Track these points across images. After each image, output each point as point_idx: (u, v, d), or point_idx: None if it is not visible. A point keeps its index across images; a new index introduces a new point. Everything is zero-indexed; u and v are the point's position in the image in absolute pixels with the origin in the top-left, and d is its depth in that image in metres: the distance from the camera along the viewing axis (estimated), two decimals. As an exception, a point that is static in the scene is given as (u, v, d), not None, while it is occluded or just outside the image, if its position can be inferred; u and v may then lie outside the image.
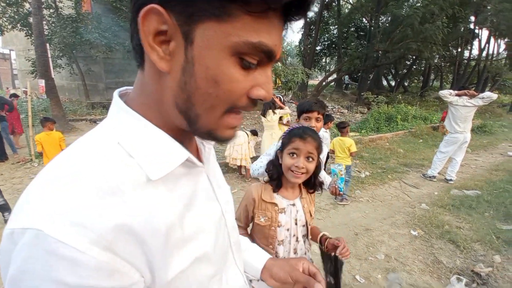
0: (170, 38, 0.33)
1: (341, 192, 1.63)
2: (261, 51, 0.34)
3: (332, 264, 0.93)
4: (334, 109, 14.94)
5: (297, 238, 1.18)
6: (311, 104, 1.67)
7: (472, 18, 16.50)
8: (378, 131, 8.39)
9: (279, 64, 11.60)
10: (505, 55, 19.28)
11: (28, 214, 0.30)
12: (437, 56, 15.51)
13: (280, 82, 13.33)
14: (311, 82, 19.61)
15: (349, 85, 21.00)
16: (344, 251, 0.97)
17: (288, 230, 1.16)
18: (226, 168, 4.80)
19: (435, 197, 4.10)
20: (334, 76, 17.92)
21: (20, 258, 0.29)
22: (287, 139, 1.14)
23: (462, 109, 4.39)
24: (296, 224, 1.17)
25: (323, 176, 1.83)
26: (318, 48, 18.52)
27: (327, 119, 3.91)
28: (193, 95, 0.35)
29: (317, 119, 1.67)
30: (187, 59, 0.33)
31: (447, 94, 4.52)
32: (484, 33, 18.70)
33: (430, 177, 4.88)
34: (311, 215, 1.22)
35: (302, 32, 18.03)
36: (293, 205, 1.17)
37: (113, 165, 0.35)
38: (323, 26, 18.31)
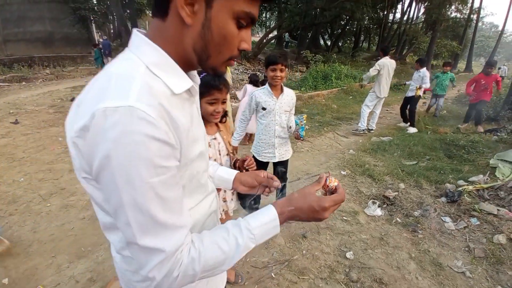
0: (194, 2, 0.48)
1: (301, 138, 2.06)
2: (249, 17, 0.52)
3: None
4: (275, 68, 15.16)
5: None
6: (276, 57, 2.01)
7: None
8: (315, 88, 9.03)
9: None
10: (423, 19, 21.77)
11: (114, 98, 0.44)
12: (367, 17, 16.63)
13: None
14: (252, 38, 19.13)
15: (289, 43, 21.25)
16: (250, 163, 1.24)
17: (215, 160, 1.41)
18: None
19: (360, 144, 4.86)
20: (275, 33, 17.79)
21: (121, 124, 0.42)
22: (204, 89, 1.30)
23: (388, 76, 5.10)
24: (220, 154, 1.45)
25: (292, 123, 2.24)
26: (259, 1, 17.76)
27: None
28: (209, 44, 0.52)
29: (281, 70, 2.02)
30: (207, 18, 0.49)
31: (372, 72, 5.13)
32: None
33: (362, 130, 5.46)
34: (230, 144, 1.52)
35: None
36: (215, 138, 1.45)
37: (149, 80, 0.49)
38: (264, -23, 17.40)
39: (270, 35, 16.51)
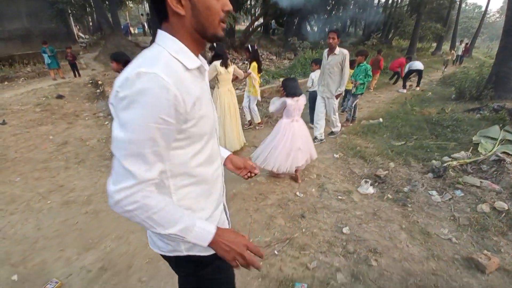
0: None
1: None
2: None
3: None
4: (263, 56, 15.06)
5: None
6: None
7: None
8: (305, 75, 9.08)
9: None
10: (407, 2, 21.77)
11: (146, 67, 0.63)
12: (352, 1, 16.60)
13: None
14: (238, 27, 18.80)
15: (276, 30, 21.03)
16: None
17: None
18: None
19: (350, 128, 5.01)
20: (261, 21, 17.53)
21: (146, 82, 0.62)
22: None
23: None
24: None
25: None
26: (242, -12, 17.38)
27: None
28: (200, 18, 0.71)
29: None
30: (192, 3, 0.69)
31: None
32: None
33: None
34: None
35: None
36: None
37: (170, 60, 0.70)
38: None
39: (256, 23, 16.30)
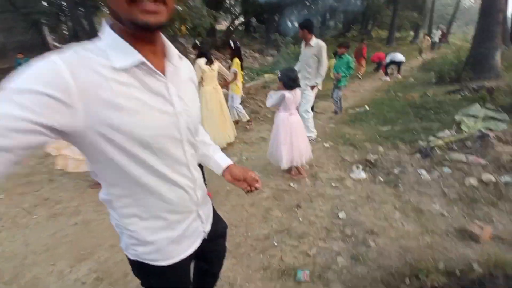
0: None
1: None
2: None
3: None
4: (246, 54, 15.02)
5: None
6: None
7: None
8: (289, 70, 9.13)
9: (180, 8, 10.51)
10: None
11: (51, 56, 0.54)
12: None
13: (185, 28, 12.25)
14: (218, 27, 18.66)
15: (256, 28, 21.03)
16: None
17: None
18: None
19: (338, 117, 5.06)
20: (242, 19, 17.47)
21: (40, 62, 0.54)
22: None
23: None
24: None
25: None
26: (220, -13, 17.25)
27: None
28: (108, 2, 0.59)
29: None
30: None
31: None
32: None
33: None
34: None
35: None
36: None
37: (97, 56, 0.59)
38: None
39: (237, 22, 16.24)
